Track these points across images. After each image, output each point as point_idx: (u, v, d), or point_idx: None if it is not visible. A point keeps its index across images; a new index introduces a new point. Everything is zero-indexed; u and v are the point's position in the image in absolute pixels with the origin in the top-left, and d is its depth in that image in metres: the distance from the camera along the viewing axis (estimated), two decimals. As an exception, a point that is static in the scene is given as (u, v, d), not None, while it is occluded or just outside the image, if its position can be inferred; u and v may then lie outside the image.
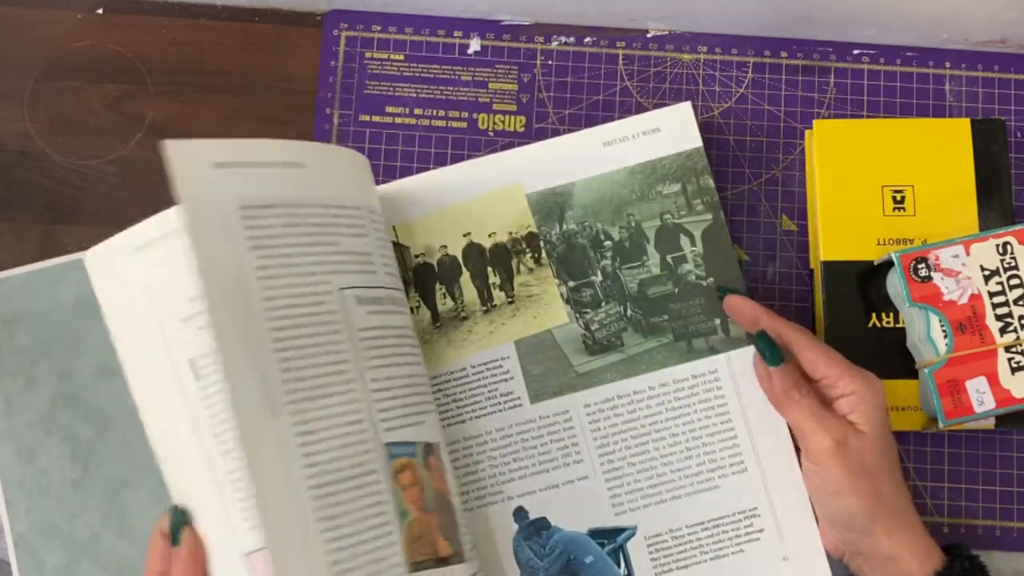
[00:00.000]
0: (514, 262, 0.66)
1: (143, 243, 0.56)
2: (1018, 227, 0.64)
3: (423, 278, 0.66)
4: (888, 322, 0.66)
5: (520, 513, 0.63)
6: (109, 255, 0.57)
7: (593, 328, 0.65)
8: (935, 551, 0.57)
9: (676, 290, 0.66)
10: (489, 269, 0.66)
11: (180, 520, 0.56)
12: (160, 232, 0.55)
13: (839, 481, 0.57)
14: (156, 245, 0.55)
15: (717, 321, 0.65)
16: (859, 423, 0.58)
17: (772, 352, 0.59)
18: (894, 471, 0.58)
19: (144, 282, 0.56)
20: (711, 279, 0.65)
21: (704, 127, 0.70)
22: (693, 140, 0.67)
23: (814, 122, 0.68)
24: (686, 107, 0.67)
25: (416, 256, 0.66)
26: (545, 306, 0.65)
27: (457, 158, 0.71)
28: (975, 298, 0.63)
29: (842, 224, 0.67)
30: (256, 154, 0.54)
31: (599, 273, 0.66)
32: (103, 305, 0.58)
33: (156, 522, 0.56)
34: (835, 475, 0.57)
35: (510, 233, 0.66)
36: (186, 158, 0.51)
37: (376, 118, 0.72)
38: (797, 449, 0.61)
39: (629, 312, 0.65)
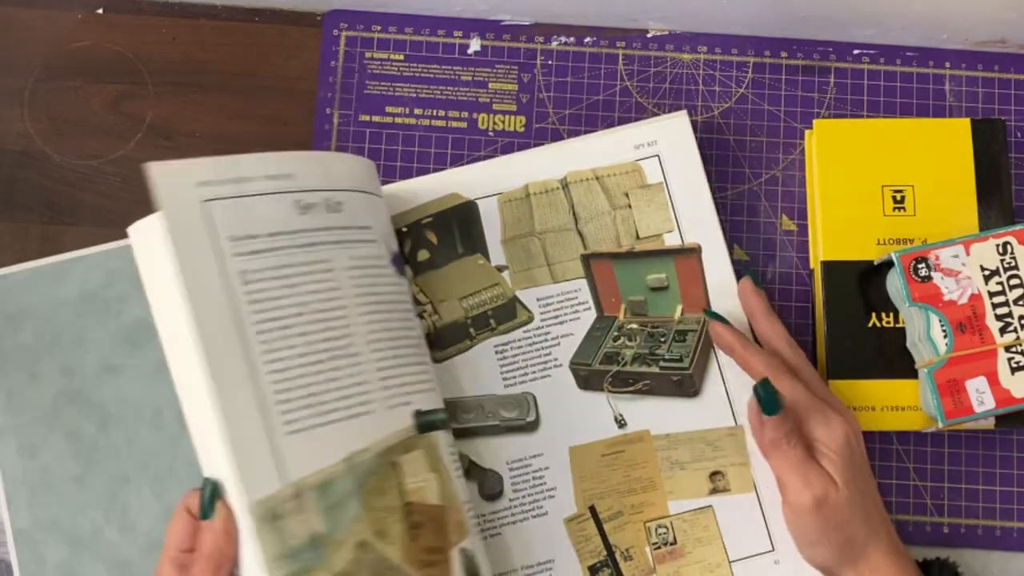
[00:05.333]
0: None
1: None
2: (1018, 227, 0.64)
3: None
4: (888, 322, 0.66)
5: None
6: (175, 177, 0.54)
7: None
8: None
9: None
10: None
11: (215, 492, 0.52)
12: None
13: (814, 534, 0.58)
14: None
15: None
16: (832, 473, 0.58)
17: (770, 402, 0.58)
18: (867, 511, 0.58)
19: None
20: None
21: (704, 127, 0.70)
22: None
23: (814, 122, 0.68)
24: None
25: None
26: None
27: (457, 158, 0.71)
28: (975, 298, 0.63)
29: (842, 224, 0.67)
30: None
31: None
32: (169, 222, 0.53)
33: (183, 498, 0.53)
34: (811, 529, 0.58)
35: None
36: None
37: (376, 118, 0.72)
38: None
39: None
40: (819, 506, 0.57)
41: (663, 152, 0.67)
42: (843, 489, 0.57)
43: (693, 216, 0.67)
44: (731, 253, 0.67)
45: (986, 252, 0.63)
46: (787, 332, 0.62)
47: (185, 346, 0.52)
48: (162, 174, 0.53)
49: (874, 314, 0.66)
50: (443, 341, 0.65)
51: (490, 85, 0.72)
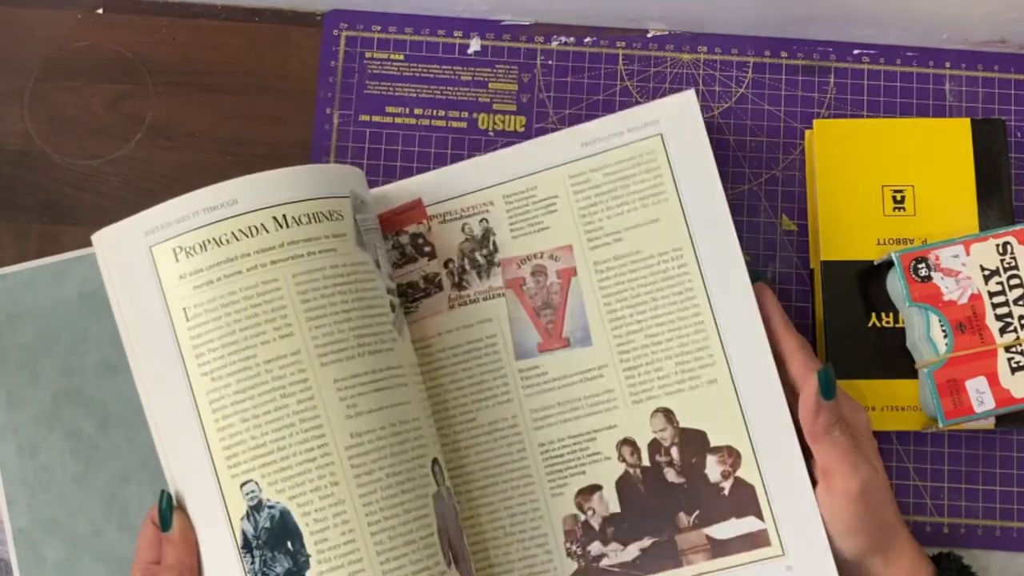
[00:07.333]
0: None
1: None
2: (1018, 227, 0.64)
3: None
4: (888, 322, 0.66)
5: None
6: (119, 236, 0.56)
7: None
8: (924, 567, 0.58)
9: None
10: None
11: (170, 504, 0.55)
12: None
13: (854, 522, 0.57)
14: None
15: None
16: (871, 458, 0.58)
17: (830, 386, 0.58)
18: (892, 497, 0.59)
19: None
20: None
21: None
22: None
23: (814, 122, 0.68)
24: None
25: None
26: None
27: (457, 158, 0.71)
28: (975, 298, 0.63)
29: (842, 224, 0.67)
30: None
31: None
32: (109, 284, 0.57)
33: (148, 511, 0.55)
34: (852, 516, 0.57)
35: None
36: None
37: (376, 118, 0.72)
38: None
39: None
40: (864, 492, 0.57)
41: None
42: (881, 473, 0.58)
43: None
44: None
45: (986, 252, 0.63)
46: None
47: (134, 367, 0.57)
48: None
49: (874, 314, 0.66)
50: None
51: (490, 85, 0.72)
